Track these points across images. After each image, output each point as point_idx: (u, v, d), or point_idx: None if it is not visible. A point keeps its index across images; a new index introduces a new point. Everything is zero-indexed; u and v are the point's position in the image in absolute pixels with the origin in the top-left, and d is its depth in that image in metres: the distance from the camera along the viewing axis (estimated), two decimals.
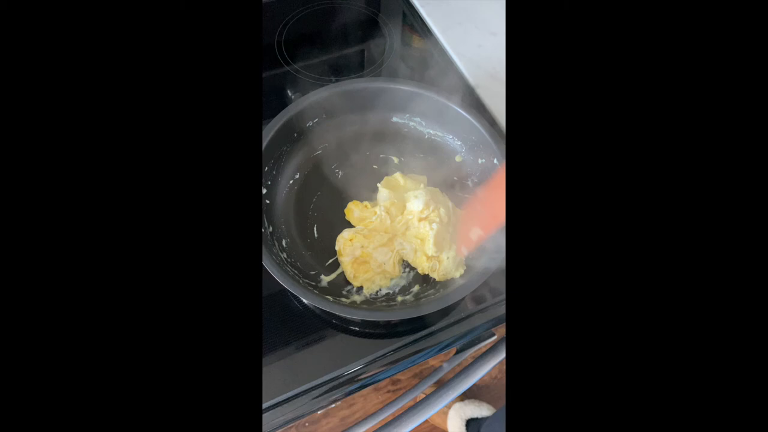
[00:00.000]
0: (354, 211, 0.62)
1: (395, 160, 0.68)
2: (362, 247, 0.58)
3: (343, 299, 0.56)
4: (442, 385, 0.67)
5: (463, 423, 1.18)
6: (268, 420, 0.52)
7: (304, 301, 0.56)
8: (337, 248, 0.60)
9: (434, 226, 0.56)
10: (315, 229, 0.63)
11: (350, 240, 0.58)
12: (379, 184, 0.63)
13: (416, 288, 0.58)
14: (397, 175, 0.64)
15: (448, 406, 1.22)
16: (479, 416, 1.18)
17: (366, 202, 0.62)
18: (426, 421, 1.26)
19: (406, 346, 0.56)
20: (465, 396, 1.25)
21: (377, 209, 0.60)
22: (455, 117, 0.65)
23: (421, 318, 0.53)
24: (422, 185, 0.62)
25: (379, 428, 0.65)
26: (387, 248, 0.58)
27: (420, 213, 0.58)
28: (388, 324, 0.57)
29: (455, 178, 0.66)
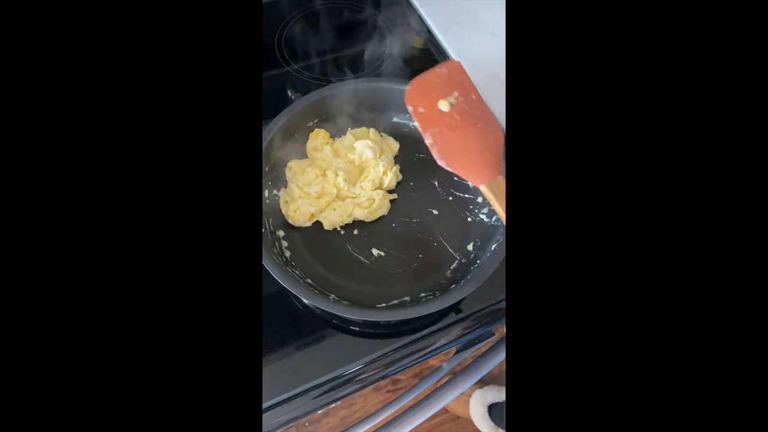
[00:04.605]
0: (317, 138, 0.65)
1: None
2: (310, 205, 0.61)
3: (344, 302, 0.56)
4: (441, 385, 0.67)
5: (486, 409, 1.19)
6: (268, 420, 0.52)
7: (304, 301, 0.56)
8: (285, 212, 0.62)
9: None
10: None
11: (295, 211, 0.61)
12: (349, 129, 0.66)
13: (416, 288, 0.58)
14: (371, 130, 0.67)
15: (468, 394, 1.22)
16: (501, 401, 1.18)
17: (333, 139, 0.67)
18: (448, 411, 1.27)
19: (406, 346, 0.56)
20: (484, 382, 1.25)
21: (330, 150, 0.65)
22: None
23: (421, 318, 0.53)
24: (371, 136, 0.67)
25: (379, 428, 0.65)
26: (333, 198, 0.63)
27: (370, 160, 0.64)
28: (388, 324, 0.57)
29: (455, 178, 0.66)
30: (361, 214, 0.62)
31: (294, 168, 0.64)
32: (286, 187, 0.64)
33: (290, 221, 0.62)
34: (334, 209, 0.62)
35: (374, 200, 0.62)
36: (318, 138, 0.65)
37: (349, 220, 0.62)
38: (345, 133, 0.67)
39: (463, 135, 0.54)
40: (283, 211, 0.62)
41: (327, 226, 0.62)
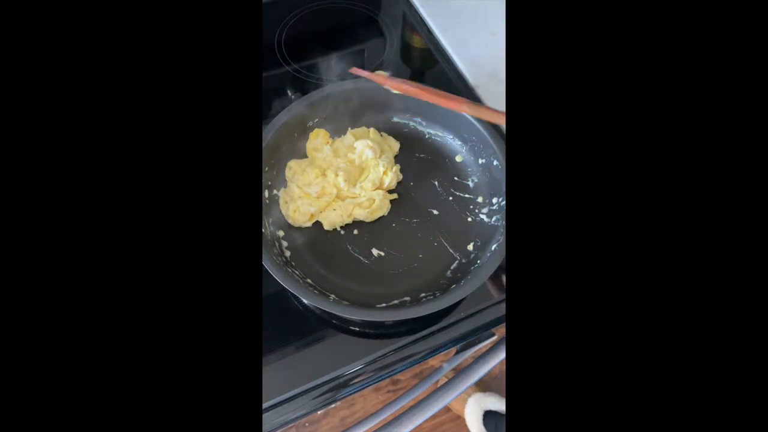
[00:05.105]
0: (316, 137, 0.65)
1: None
2: (310, 205, 0.61)
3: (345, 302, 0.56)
4: (441, 385, 0.67)
5: (481, 412, 1.19)
6: (268, 420, 0.52)
7: (304, 301, 0.56)
8: (285, 212, 0.62)
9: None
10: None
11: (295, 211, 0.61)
12: (349, 128, 0.66)
13: (418, 290, 0.59)
14: (372, 130, 0.67)
15: (468, 394, 1.22)
16: (498, 410, 1.18)
17: (333, 138, 0.67)
18: (449, 411, 1.27)
19: (406, 346, 0.56)
20: (486, 387, 1.25)
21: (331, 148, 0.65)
22: (455, 117, 0.65)
23: (421, 318, 0.53)
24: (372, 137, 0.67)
25: (379, 428, 0.65)
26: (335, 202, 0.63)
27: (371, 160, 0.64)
28: (388, 324, 0.57)
29: (455, 178, 0.66)
30: (361, 214, 0.62)
31: (294, 168, 0.64)
32: (286, 187, 0.64)
33: (290, 221, 0.62)
34: (334, 209, 0.62)
35: (374, 200, 0.62)
36: (318, 138, 0.65)
37: (349, 220, 0.62)
38: (345, 133, 0.67)
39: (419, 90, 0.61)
40: (283, 212, 0.62)
41: (327, 227, 0.62)
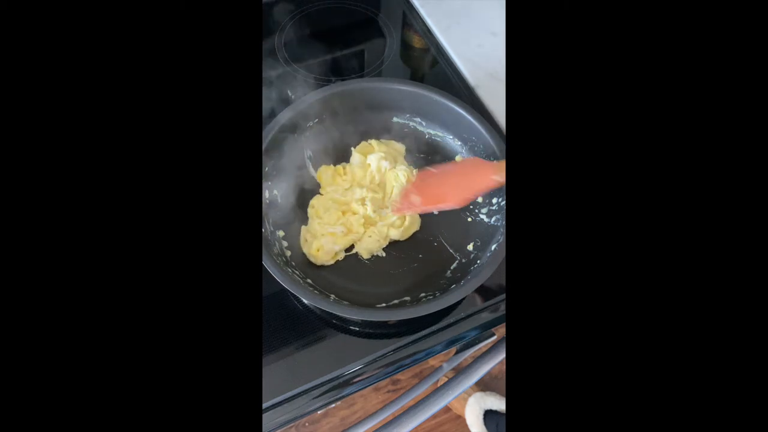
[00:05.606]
0: (325, 173, 0.64)
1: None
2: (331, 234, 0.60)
3: (344, 301, 0.56)
4: (441, 385, 0.67)
5: (482, 412, 1.19)
6: (268, 420, 0.52)
7: (304, 301, 0.56)
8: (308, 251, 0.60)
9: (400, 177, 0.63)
10: None
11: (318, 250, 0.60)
12: (353, 149, 0.66)
13: (417, 289, 0.58)
14: (373, 142, 0.66)
15: (468, 393, 1.22)
16: (499, 410, 1.18)
17: (338, 166, 0.65)
18: (449, 411, 1.27)
19: (406, 346, 0.56)
20: (486, 387, 1.25)
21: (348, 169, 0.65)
22: (455, 117, 0.65)
23: (421, 318, 0.53)
24: (382, 151, 0.65)
25: (379, 428, 0.65)
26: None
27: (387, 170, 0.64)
28: (388, 324, 0.57)
29: None
30: (395, 234, 0.61)
31: (316, 206, 0.62)
32: (306, 224, 0.62)
33: (312, 260, 0.59)
34: (370, 236, 0.61)
35: (405, 218, 0.61)
36: (326, 175, 0.64)
37: (386, 243, 0.61)
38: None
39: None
40: (304, 250, 0.60)
41: (365, 255, 0.60)
